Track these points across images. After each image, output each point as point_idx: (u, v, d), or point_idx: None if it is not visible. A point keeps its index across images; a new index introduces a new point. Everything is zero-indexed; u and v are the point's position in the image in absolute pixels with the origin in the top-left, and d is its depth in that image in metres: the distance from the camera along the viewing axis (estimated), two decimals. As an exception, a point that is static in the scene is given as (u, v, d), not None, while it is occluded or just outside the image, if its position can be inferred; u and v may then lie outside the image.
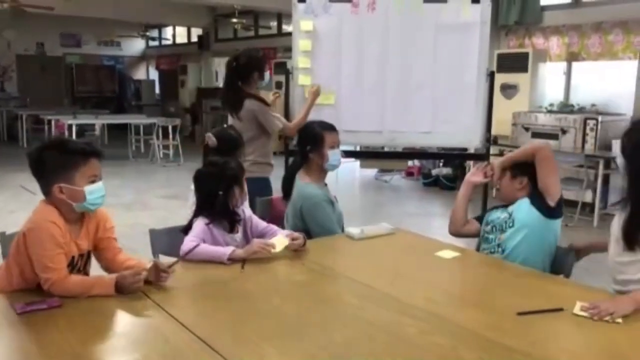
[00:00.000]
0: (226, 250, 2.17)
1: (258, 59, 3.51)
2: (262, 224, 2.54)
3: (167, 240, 2.60)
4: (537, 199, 2.40)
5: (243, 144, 3.10)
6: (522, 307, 1.76)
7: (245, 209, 2.53)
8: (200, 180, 2.48)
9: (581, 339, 1.65)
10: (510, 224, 2.43)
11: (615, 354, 1.56)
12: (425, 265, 2.29)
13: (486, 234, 2.53)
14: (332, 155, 2.80)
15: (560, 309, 1.77)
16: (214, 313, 1.76)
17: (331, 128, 2.85)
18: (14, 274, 1.90)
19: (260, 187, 3.39)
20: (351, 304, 1.88)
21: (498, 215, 2.52)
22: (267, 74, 3.53)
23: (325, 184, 2.92)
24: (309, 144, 2.82)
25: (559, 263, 2.41)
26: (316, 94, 3.69)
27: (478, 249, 2.62)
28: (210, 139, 2.99)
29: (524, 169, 2.46)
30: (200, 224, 2.33)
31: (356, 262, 2.35)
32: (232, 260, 2.15)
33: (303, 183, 2.81)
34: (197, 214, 2.39)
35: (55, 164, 1.93)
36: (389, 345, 1.55)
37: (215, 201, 2.35)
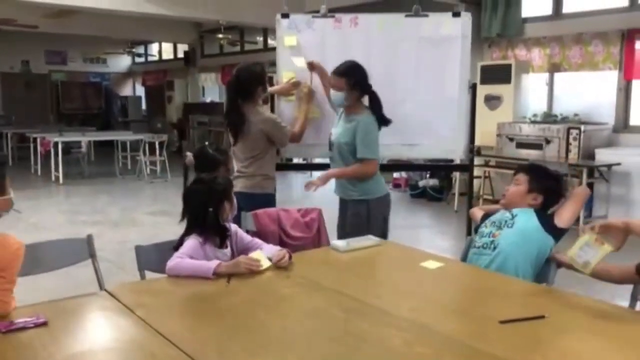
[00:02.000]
0: (211, 265, 2.18)
1: (259, 73, 3.49)
2: (246, 237, 2.56)
3: (154, 256, 2.60)
4: (544, 214, 2.51)
5: (223, 162, 3.09)
6: (505, 316, 1.79)
7: (231, 224, 2.55)
8: (189, 198, 2.50)
9: (563, 346, 1.68)
10: (510, 225, 2.51)
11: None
12: (410, 276, 2.31)
13: (483, 227, 2.60)
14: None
15: (542, 317, 1.79)
16: (200, 328, 1.76)
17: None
18: None
19: (270, 202, 3.41)
20: (337, 316, 1.89)
21: (501, 214, 2.61)
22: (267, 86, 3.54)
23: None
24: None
25: (542, 272, 2.44)
26: (309, 95, 3.74)
27: (464, 259, 2.66)
28: (188, 157, 2.98)
29: (543, 188, 2.56)
30: (191, 241, 2.34)
31: (341, 274, 2.36)
32: (217, 275, 2.16)
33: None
34: (188, 232, 2.40)
35: None
36: (374, 357, 1.57)
37: (206, 217, 2.36)
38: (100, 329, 1.79)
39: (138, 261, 2.56)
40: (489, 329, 1.74)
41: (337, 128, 3.38)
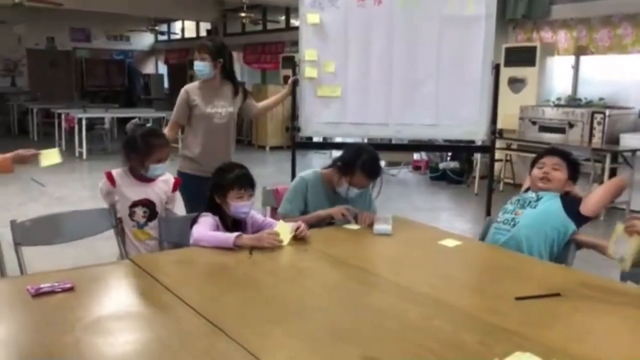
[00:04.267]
0: (232, 235, 2.23)
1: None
2: (260, 218, 2.60)
3: (176, 228, 2.67)
4: (569, 200, 2.52)
5: (138, 151, 2.65)
6: (521, 293, 1.80)
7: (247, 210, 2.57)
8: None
9: (578, 323, 1.69)
10: (533, 206, 2.52)
11: (612, 338, 1.59)
12: (428, 254, 2.33)
13: (509, 203, 2.63)
14: (351, 191, 2.74)
15: (558, 294, 1.80)
16: (222, 297, 1.81)
17: (368, 172, 2.72)
18: None
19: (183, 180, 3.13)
20: (355, 290, 1.93)
21: (528, 193, 2.62)
22: (197, 63, 3.30)
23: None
24: (342, 164, 2.77)
25: (561, 254, 2.44)
26: (291, 85, 3.79)
27: (483, 239, 2.67)
28: (130, 124, 2.84)
29: (576, 177, 2.63)
30: (209, 219, 2.40)
31: (360, 250, 2.39)
32: (238, 246, 2.20)
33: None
34: (204, 211, 2.45)
35: None
36: (392, 330, 1.60)
37: (213, 207, 2.45)
38: (124, 295, 1.85)
39: (160, 233, 2.62)
40: (505, 305, 1.76)
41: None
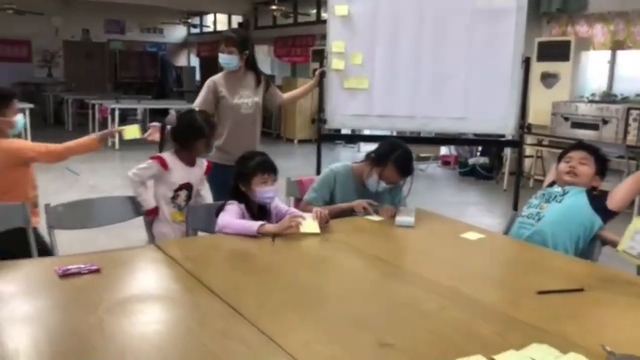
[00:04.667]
0: (256, 223, 2.26)
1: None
2: (284, 207, 2.63)
3: (203, 216, 2.72)
4: (596, 194, 2.49)
5: (206, 135, 2.76)
6: (543, 287, 1.79)
7: (272, 198, 2.60)
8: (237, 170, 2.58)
9: (600, 318, 1.67)
10: (559, 200, 2.49)
11: (631, 333, 1.57)
12: (449, 246, 2.32)
13: (534, 197, 2.61)
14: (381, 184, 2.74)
15: (581, 289, 1.78)
16: (242, 282, 1.84)
17: (400, 168, 2.70)
18: None
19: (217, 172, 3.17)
20: (374, 279, 1.94)
21: (553, 188, 2.59)
22: (222, 56, 3.33)
23: None
24: (375, 157, 2.77)
25: (587, 250, 2.41)
26: (317, 76, 3.79)
27: (507, 232, 2.65)
28: (170, 115, 2.78)
29: (604, 172, 2.58)
30: (235, 207, 2.43)
31: (380, 241, 2.40)
32: (261, 233, 2.23)
33: None
34: (229, 199, 2.49)
35: None
36: (407, 318, 1.60)
37: (237, 194, 2.49)
38: (149, 278, 1.89)
39: (188, 220, 2.67)
40: (525, 298, 1.74)
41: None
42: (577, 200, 2.46)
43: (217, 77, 3.42)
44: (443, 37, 3.82)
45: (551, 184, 2.67)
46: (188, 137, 2.73)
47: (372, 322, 1.56)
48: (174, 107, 11.58)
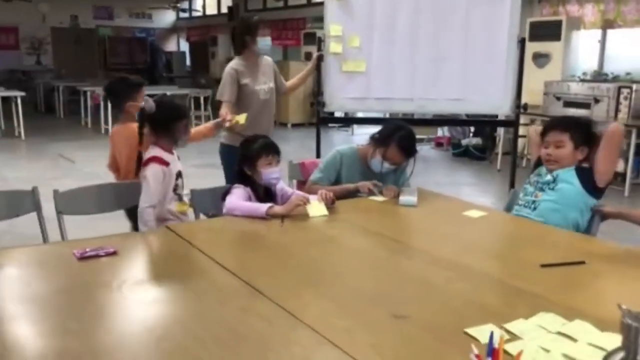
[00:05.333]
0: (264, 205, 2.31)
1: (248, 23, 3.47)
2: (289, 190, 2.68)
3: (208, 199, 2.76)
4: (585, 172, 2.45)
5: (184, 116, 2.79)
6: (546, 261, 1.85)
7: (278, 180, 2.64)
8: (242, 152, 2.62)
9: (601, 289, 1.74)
10: (552, 187, 2.49)
11: (635, 301, 1.64)
12: (453, 223, 2.39)
13: (527, 184, 2.61)
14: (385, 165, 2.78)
15: (582, 262, 1.85)
16: (256, 261, 1.89)
17: (404, 148, 2.75)
18: None
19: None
20: (381, 256, 2.00)
21: (543, 175, 2.55)
22: (264, 39, 3.53)
23: None
24: (379, 138, 2.83)
25: (586, 228, 2.48)
26: (316, 60, 3.80)
27: (509, 210, 2.70)
28: (148, 102, 2.74)
29: (586, 139, 2.48)
30: (241, 190, 2.48)
31: (386, 220, 2.46)
32: (270, 215, 2.28)
33: None
34: (235, 182, 2.54)
35: None
36: (417, 292, 1.67)
37: (244, 177, 2.53)
38: (165, 259, 1.95)
39: (194, 203, 2.72)
40: (529, 271, 1.81)
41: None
42: (568, 185, 2.45)
43: (237, 65, 3.43)
44: (439, 19, 3.86)
45: (539, 163, 2.65)
46: (170, 120, 2.69)
47: (385, 295, 1.62)
48: (167, 92, 11.59)
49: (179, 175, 2.76)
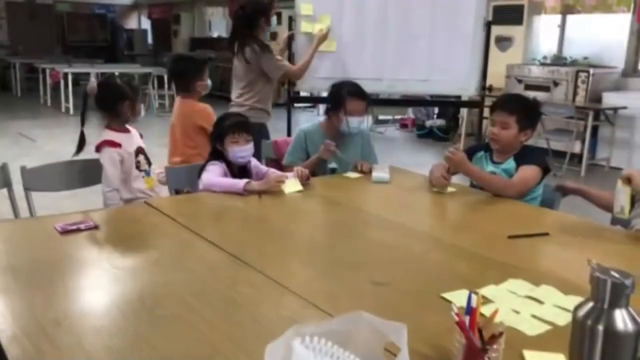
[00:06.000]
0: (242, 181, 2.36)
1: (264, 5, 3.57)
2: (264, 168, 2.72)
3: (183, 177, 2.78)
4: (520, 158, 2.50)
5: (129, 97, 2.73)
6: (513, 232, 1.96)
7: (249, 157, 2.68)
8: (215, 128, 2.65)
9: (565, 257, 1.86)
10: (495, 173, 2.54)
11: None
12: (424, 198, 2.48)
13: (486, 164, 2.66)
14: (351, 122, 2.85)
15: (547, 234, 1.97)
16: (237, 234, 1.95)
17: (355, 94, 2.87)
18: None
19: (259, 131, 3.49)
20: (359, 228, 2.08)
21: (488, 169, 2.58)
22: (273, 19, 3.63)
23: None
24: (331, 104, 2.94)
25: (547, 201, 2.61)
26: (323, 37, 3.80)
27: (472, 186, 2.80)
28: (90, 83, 2.73)
29: (531, 122, 2.52)
30: (217, 167, 2.51)
31: (361, 195, 2.54)
32: (247, 191, 2.33)
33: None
34: (210, 159, 2.56)
35: None
36: (394, 260, 1.75)
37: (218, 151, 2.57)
38: (148, 233, 1.97)
39: (169, 181, 2.74)
40: (498, 242, 1.92)
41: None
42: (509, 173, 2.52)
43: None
44: (408, 0, 3.92)
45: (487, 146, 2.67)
46: (113, 101, 2.68)
47: (364, 264, 1.71)
48: (128, 71, 11.36)
49: (140, 152, 2.75)
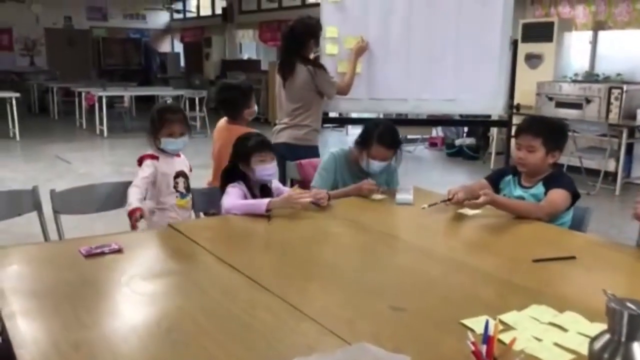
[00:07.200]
0: (264, 201, 2.38)
1: (313, 26, 3.63)
2: (285, 189, 2.74)
3: (207, 199, 2.82)
4: (550, 183, 2.45)
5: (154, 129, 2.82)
6: (538, 256, 1.92)
7: (272, 179, 2.69)
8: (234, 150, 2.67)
9: (592, 281, 1.80)
10: (523, 198, 2.50)
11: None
12: (448, 220, 2.45)
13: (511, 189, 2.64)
14: (372, 164, 2.82)
15: (573, 257, 1.92)
16: (258, 257, 1.95)
17: (384, 142, 2.78)
18: None
19: (314, 154, 3.56)
20: (381, 252, 2.06)
21: (516, 193, 2.55)
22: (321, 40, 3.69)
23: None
24: (360, 139, 2.87)
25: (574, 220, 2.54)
26: (361, 49, 3.85)
27: None
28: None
29: (559, 144, 2.48)
30: (237, 189, 2.53)
31: (384, 217, 2.53)
32: (270, 210, 2.35)
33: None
34: (231, 180, 2.58)
35: None
36: (415, 285, 1.73)
37: (237, 172, 2.58)
38: (169, 256, 2.00)
39: (193, 202, 2.77)
40: (522, 266, 1.88)
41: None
42: (538, 198, 2.47)
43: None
44: (433, 20, 3.92)
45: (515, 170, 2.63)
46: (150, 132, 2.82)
47: (384, 289, 1.68)
48: (161, 93, 11.61)
49: (180, 175, 2.81)
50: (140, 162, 2.76)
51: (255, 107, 3.42)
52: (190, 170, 2.91)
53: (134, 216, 2.50)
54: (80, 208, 2.84)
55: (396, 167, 2.99)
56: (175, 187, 2.78)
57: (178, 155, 2.86)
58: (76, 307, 1.50)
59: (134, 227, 2.49)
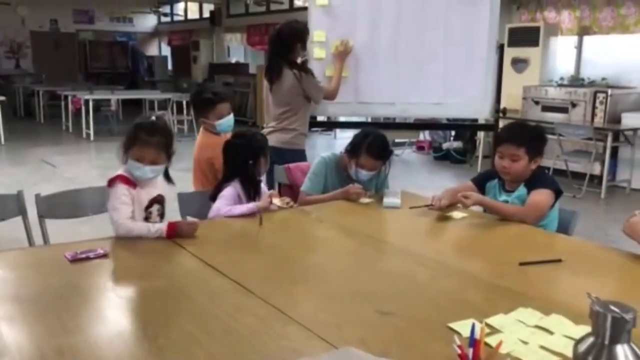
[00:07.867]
0: (252, 205, 2.40)
1: (301, 30, 3.61)
2: (266, 190, 2.75)
3: (194, 203, 2.80)
4: (531, 184, 2.47)
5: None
6: (525, 259, 1.93)
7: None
8: (229, 151, 2.67)
9: (577, 284, 1.81)
10: (507, 201, 2.52)
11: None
12: (435, 224, 2.46)
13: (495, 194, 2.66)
14: (359, 172, 2.81)
15: (559, 260, 1.93)
16: (245, 262, 1.94)
17: (372, 153, 2.77)
18: None
19: (302, 158, 3.54)
20: (368, 255, 2.06)
21: (501, 198, 2.56)
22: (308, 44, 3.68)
23: None
24: (350, 147, 2.87)
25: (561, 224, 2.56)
26: (343, 54, 3.84)
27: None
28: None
29: (540, 150, 2.49)
30: (231, 190, 2.53)
31: (371, 221, 2.53)
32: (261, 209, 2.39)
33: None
34: (226, 181, 2.58)
35: None
36: (402, 289, 1.73)
37: (245, 170, 2.58)
38: (156, 261, 1.98)
39: (180, 207, 2.75)
40: (509, 269, 1.89)
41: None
42: (522, 200, 2.49)
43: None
44: (421, 24, 3.93)
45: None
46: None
47: (371, 293, 1.68)
48: (148, 97, 11.55)
49: (155, 201, 2.29)
50: (110, 183, 2.19)
51: (226, 115, 3.21)
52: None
53: (182, 229, 2.15)
54: (66, 213, 2.81)
55: (387, 174, 2.99)
56: (147, 218, 2.24)
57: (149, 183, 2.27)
58: (61, 313, 1.48)
59: (191, 234, 2.15)
